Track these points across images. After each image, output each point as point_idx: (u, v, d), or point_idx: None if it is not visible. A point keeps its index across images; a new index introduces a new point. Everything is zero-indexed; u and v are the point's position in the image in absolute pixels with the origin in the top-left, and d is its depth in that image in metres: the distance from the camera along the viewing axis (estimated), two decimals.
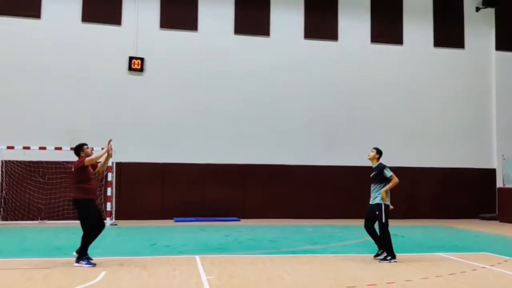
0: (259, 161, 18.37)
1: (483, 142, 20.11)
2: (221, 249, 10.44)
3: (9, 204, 16.33)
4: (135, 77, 17.85)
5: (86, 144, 8.70)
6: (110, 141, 8.71)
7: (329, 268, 8.15)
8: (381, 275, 7.54)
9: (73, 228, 14.36)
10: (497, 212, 18.68)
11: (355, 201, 18.70)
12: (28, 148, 15.89)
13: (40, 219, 16.28)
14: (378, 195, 8.86)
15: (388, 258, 8.66)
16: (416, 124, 19.65)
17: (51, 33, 17.36)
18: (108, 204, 15.94)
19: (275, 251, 10.22)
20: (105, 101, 17.55)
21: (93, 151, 8.85)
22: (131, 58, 17.67)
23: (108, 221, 15.72)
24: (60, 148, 15.94)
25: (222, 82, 18.44)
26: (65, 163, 16.61)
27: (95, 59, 17.55)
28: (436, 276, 7.45)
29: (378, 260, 8.76)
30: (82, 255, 8.13)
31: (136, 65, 17.69)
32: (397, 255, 9.10)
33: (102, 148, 8.68)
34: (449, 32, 20.20)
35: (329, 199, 18.60)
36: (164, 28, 18.21)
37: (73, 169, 8.55)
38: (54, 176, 16.60)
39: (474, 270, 8.03)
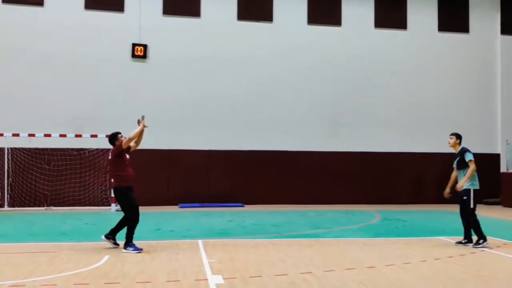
0: (264, 147, 18.44)
1: (488, 127, 20.07)
2: (224, 233, 10.57)
3: (16, 191, 16.53)
4: (139, 64, 17.91)
5: (120, 133, 8.68)
6: (143, 117, 8.64)
7: (330, 251, 8.24)
8: (381, 257, 7.62)
9: (79, 214, 14.61)
10: (500, 197, 18.70)
11: (359, 187, 18.86)
12: (33, 135, 16.07)
13: (46, 206, 16.49)
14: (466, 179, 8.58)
15: (480, 241, 8.41)
16: (421, 109, 19.60)
17: (54, 20, 17.41)
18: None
19: (277, 235, 10.33)
20: (109, 88, 17.65)
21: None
22: (134, 45, 17.71)
23: (113, 207, 15.92)
24: (65, 135, 16.13)
25: (226, 69, 18.45)
26: (69, 150, 16.81)
27: (99, 46, 17.61)
28: (435, 259, 7.52)
29: (470, 246, 8.48)
30: (129, 241, 8.20)
31: (139, 51, 17.73)
32: (397, 239, 9.16)
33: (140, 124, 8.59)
34: (453, 17, 20.05)
35: (333, 185, 18.68)
36: (167, 15, 18.20)
37: (110, 157, 8.64)
38: (60, 163, 16.80)
39: (473, 253, 8.09)
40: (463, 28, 20.12)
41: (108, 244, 8.45)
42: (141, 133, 8.57)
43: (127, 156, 8.59)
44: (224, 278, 6.19)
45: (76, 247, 8.65)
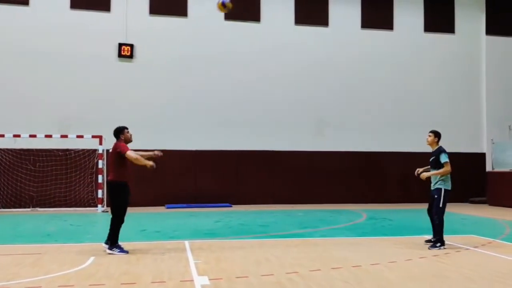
0: (251, 147, 18.43)
1: (473, 127, 20.27)
2: (211, 234, 10.54)
3: (0, 192, 16.34)
4: (125, 64, 17.80)
5: (127, 128, 8.44)
6: (159, 155, 8.53)
7: (317, 251, 8.26)
8: (367, 256, 7.66)
9: (64, 215, 14.48)
10: (486, 196, 18.90)
11: (346, 186, 18.94)
12: (18, 136, 15.91)
13: (32, 207, 16.33)
14: (438, 180, 8.46)
15: (438, 244, 8.30)
16: (407, 109, 19.74)
17: (39, 20, 17.24)
18: (100, 191, 16.00)
19: (264, 235, 10.33)
20: (96, 88, 17.51)
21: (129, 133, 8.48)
22: (120, 45, 17.59)
23: (99, 208, 15.81)
24: (50, 136, 15.99)
25: (213, 69, 18.42)
26: (55, 151, 16.67)
27: (85, 46, 17.46)
28: (420, 258, 7.58)
29: (427, 247, 8.42)
30: (114, 242, 8.00)
31: (125, 51, 17.62)
32: (383, 238, 9.21)
33: (151, 158, 8.38)
34: (439, 18, 20.22)
35: (320, 184, 18.74)
36: (153, 15, 18.12)
37: (111, 150, 8.33)
38: (45, 164, 16.63)
39: (458, 251, 8.16)
40: (448, 28, 20.30)
41: (104, 246, 8.19)
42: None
43: None
44: (210, 279, 6.17)
45: (61, 249, 8.57)
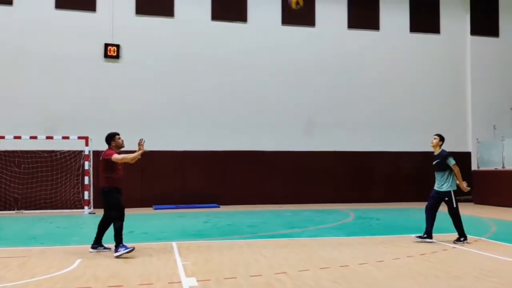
0: (240, 147, 18.41)
1: (459, 126, 20.47)
2: (199, 235, 10.51)
3: None
4: (111, 64, 17.67)
5: (119, 134, 8.35)
6: (142, 141, 8.26)
7: (305, 251, 8.27)
8: (355, 256, 7.69)
9: (50, 218, 14.32)
10: (472, 194, 19.07)
11: (335, 186, 19.02)
12: (3, 137, 15.68)
13: (17, 209, 16.12)
14: (445, 183, 8.96)
15: (462, 239, 8.80)
16: (393, 108, 19.87)
17: (23, 19, 17.05)
18: (86, 193, 15.86)
19: (253, 236, 10.32)
20: (81, 88, 17.36)
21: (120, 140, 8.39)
22: (106, 45, 17.46)
23: (86, 210, 15.67)
24: (35, 137, 15.78)
25: (200, 69, 18.36)
26: (40, 152, 16.49)
27: (70, 46, 17.30)
28: (407, 257, 7.63)
29: (453, 241, 8.82)
30: (119, 243, 7.88)
31: (112, 52, 17.49)
32: (371, 237, 9.26)
33: (139, 148, 8.21)
34: (424, 18, 20.39)
35: (309, 184, 18.78)
36: (140, 15, 18.02)
37: (101, 158, 8.26)
38: (31, 165, 16.44)
39: (445, 250, 8.24)
40: (434, 29, 20.48)
41: (92, 250, 8.18)
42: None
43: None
44: (198, 280, 6.15)
45: (47, 251, 8.48)
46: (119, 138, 8.35)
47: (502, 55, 20.70)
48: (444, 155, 9.08)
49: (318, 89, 19.28)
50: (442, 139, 9.39)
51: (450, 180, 8.99)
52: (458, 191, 9.13)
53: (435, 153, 9.26)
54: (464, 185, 9.07)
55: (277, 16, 19.12)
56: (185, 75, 18.22)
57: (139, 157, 8.24)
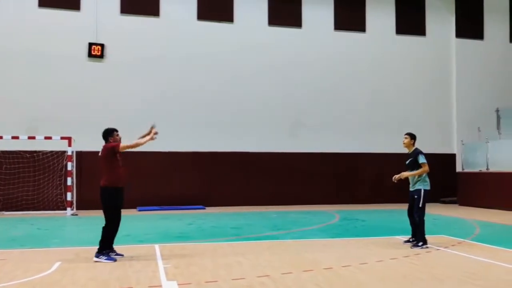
0: (226, 148, 18.30)
1: (444, 128, 20.58)
2: (183, 237, 10.39)
3: None
4: (95, 64, 17.44)
5: (117, 130, 8.03)
6: (153, 127, 8.11)
7: (289, 253, 8.20)
8: (338, 258, 7.63)
9: (32, 219, 14.08)
10: (457, 196, 19.19)
11: (321, 187, 18.99)
12: None
13: None
14: (417, 181, 8.68)
15: (420, 244, 8.45)
16: (379, 110, 19.90)
17: (6, 18, 16.77)
18: (69, 194, 15.62)
19: (237, 238, 10.22)
20: (64, 88, 17.10)
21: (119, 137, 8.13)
22: (90, 44, 17.23)
23: (68, 211, 15.44)
24: (17, 137, 15.51)
25: (186, 69, 18.22)
26: (22, 152, 16.22)
27: (53, 45, 17.04)
28: (391, 259, 7.59)
29: (410, 246, 8.57)
30: (102, 248, 7.56)
31: (96, 51, 17.27)
32: (355, 239, 9.22)
33: (147, 134, 8.14)
34: (410, 20, 20.47)
35: (295, 186, 18.72)
36: (125, 14, 17.80)
37: (100, 154, 7.85)
38: (12, 166, 16.14)
39: (429, 252, 8.21)
40: (419, 31, 20.57)
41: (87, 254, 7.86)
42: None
43: (119, 156, 7.91)
44: (179, 284, 6.04)
45: (26, 254, 8.30)
46: (118, 134, 8.04)
47: (487, 58, 20.86)
48: (417, 152, 8.81)
49: (304, 90, 19.24)
50: (413, 137, 9.10)
51: (422, 178, 8.70)
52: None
53: (409, 152, 9.02)
54: (404, 175, 8.72)
55: (263, 17, 19.05)
56: (170, 75, 18.06)
57: (151, 141, 7.97)
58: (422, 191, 8.65)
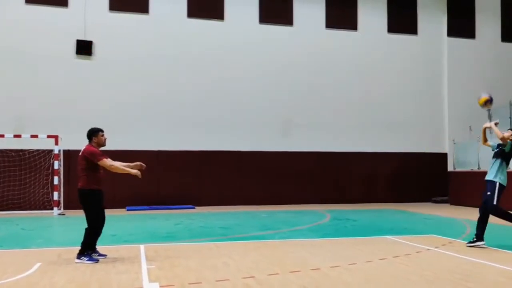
0: (216, 147, 18.11)
1: (435, 127, 20.50)
2: (169, 237, 10.18)
3: None
4: (83, 61, 17.18)
5: (103, 131, 7.69)
6: (143, 167, 7.93)
7: (276, 253, 8.02)
8: (327, 258, 7.46)
9: (17, 219, 13.80)
10: (448, 195, 19.10)
11: (312, 187, 18.86)
12: None
13: None
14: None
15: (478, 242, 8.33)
16: (371, 109, 19.79)
17: None
18: (56, 193, 15.35)
19: (224, 238, 10.03)
20: (51, 86, 16.85)
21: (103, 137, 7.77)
22: (78, 42, 16.97)
23: (55, 211, 15.17)
24: (3, 136, 15.23)
25: (175, 67, 18.01)
26: (8, 151, 15.94)
27: (40, 42, 16.79)
28: (380, 259, 7.42)
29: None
30: (84, 249, 7.32)
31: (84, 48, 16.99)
32: (345, 239, 9.04)
33: (133, 167, 7.88)
34: (402, 19, 20.38)
35: (286, 185, 18.57)
36: (113, 11, 17.57)
37: (80, 154, 7.49)
38: None
39: (419, 252, 8.06)
40: (411, 30, 20.49)
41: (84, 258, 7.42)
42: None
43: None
44: (161, 286, 5.83)
45: (6, 255, 8.06)
46: (103, 135, 7.70)
47: (478, 57, 20.82)
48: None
49: (296, 89, 19.08)
50: None
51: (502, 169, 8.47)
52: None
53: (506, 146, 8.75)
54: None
55: (254, 15, 18.88)
56: (159, 74, 17.84)
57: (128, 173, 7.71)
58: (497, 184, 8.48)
